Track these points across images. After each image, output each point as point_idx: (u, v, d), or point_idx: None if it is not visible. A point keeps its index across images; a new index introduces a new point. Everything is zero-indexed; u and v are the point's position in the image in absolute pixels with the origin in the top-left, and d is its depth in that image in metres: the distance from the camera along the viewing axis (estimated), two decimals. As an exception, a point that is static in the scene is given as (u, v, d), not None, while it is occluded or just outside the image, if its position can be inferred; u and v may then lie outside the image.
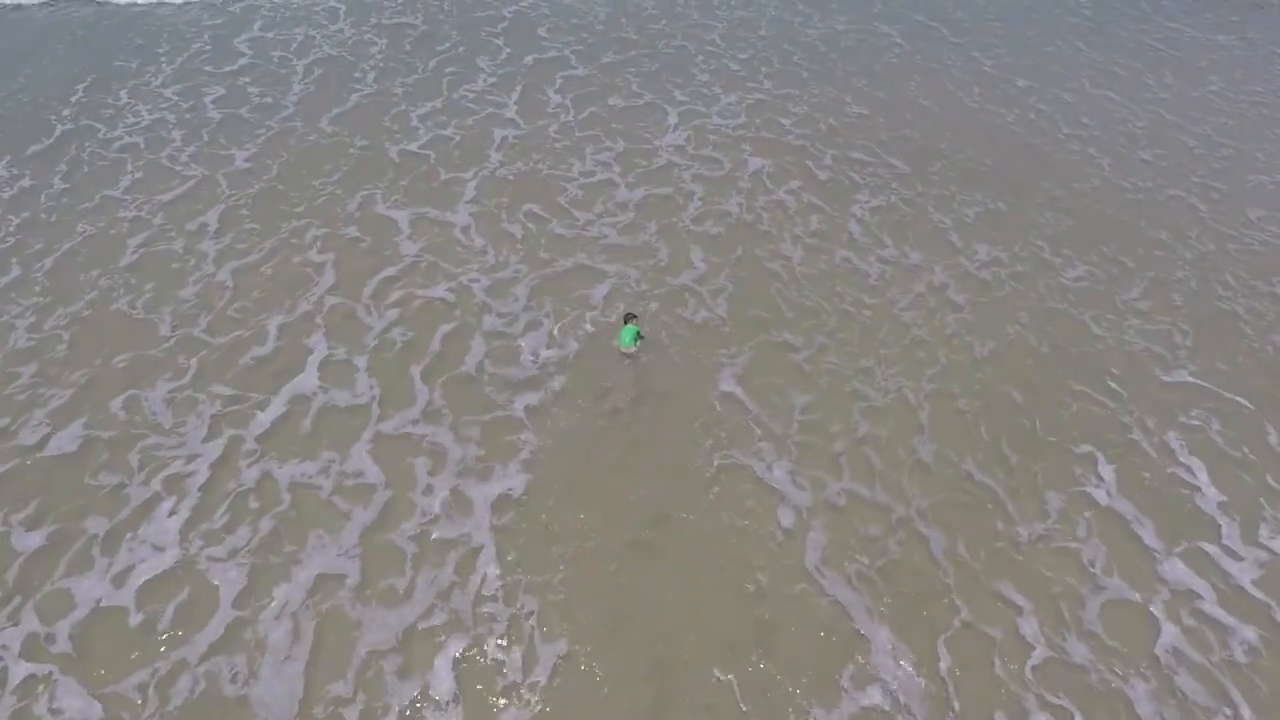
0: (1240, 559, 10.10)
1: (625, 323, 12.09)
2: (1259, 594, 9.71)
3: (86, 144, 16.80)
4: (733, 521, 10.13)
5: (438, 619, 8.96)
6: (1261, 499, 10.87)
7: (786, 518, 10.19)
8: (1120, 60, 23.39)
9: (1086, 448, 11.42)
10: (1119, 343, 13.23)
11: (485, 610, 9.06)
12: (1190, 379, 12.59)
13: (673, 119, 18.72)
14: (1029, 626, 9.24)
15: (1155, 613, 9.48)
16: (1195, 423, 11.88)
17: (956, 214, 16.05)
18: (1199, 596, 9.67)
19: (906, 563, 9.82)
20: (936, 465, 11.00)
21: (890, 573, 9.69)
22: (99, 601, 9.00)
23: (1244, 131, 19.93)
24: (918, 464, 10.99)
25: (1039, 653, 9.00)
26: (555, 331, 12.64)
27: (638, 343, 12.10)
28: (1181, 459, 11.32)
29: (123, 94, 18.68)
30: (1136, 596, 9.66)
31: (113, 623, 8.82)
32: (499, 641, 8.77)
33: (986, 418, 11.73)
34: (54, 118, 17.68)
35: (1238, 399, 12.26)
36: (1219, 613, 9.50)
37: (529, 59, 21.17)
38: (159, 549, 9.54)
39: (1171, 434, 11.68)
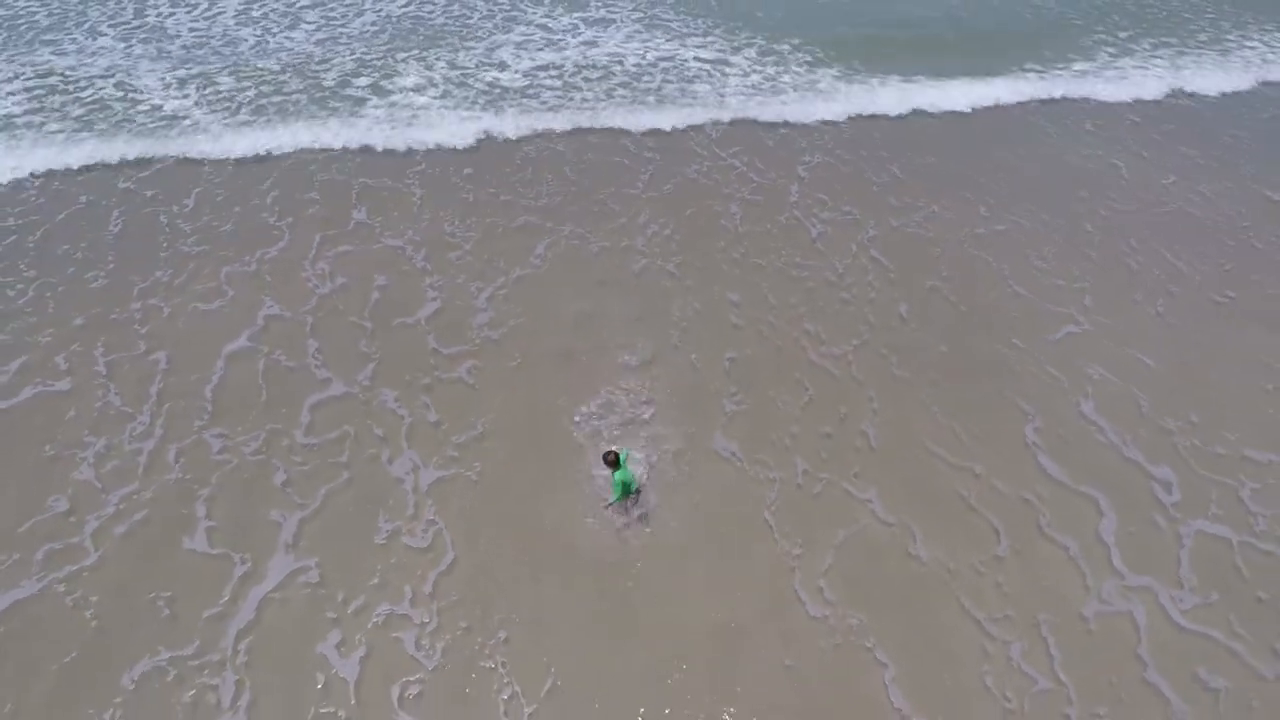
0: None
1: (610, 465, 9.09)
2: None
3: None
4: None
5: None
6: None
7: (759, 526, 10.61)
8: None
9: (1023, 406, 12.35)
10: (1028, 294, 14.58)
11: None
12: (1080, 331, 13.81)
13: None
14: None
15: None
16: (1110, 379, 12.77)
17: (889, 171, 17.83)
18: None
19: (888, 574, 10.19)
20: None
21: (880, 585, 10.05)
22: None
23: (1193, 114, 21.22)
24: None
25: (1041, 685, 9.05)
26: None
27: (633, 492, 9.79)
28: (1093, 418, 12.21)
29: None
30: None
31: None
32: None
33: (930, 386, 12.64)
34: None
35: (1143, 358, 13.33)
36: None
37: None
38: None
39: (1087, 395, 12.61)
